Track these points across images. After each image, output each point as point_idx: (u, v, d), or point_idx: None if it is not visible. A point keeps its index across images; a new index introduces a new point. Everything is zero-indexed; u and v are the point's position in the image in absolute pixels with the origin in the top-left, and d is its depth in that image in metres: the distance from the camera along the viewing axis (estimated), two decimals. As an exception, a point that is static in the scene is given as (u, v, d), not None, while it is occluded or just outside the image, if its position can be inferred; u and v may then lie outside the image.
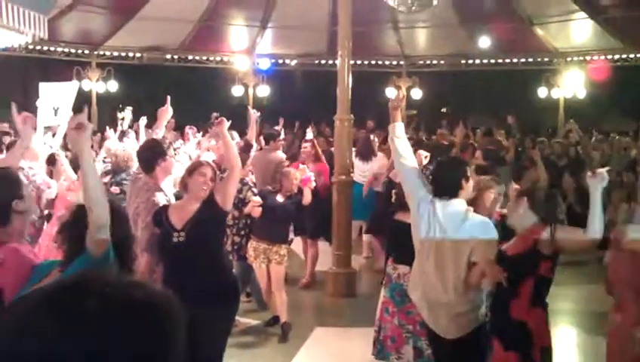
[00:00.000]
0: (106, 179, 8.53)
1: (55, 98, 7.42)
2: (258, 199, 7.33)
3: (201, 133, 12.26)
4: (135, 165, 7.75)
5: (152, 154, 5.74)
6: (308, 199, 7.66)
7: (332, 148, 10.59)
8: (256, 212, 7.17)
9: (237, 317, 6.18)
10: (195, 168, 5.29)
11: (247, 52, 20.56)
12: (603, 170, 4.41)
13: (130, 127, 14.56)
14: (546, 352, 4.53)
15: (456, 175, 4.93)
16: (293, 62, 21.80)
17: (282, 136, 14.00)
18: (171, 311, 1.11)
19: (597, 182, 4.34)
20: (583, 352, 7.56)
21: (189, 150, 9.78)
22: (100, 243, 3.07)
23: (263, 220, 7.36)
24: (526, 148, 15.04)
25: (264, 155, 9.85)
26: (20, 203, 3.38)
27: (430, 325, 4.99)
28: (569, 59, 19.65)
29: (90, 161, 3.15)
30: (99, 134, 14.86)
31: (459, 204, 4.83)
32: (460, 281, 4.73)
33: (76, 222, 3.23)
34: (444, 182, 4.93)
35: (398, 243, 5.80)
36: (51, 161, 7.46)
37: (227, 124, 5.35)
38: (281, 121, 14.25)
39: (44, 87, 7.62)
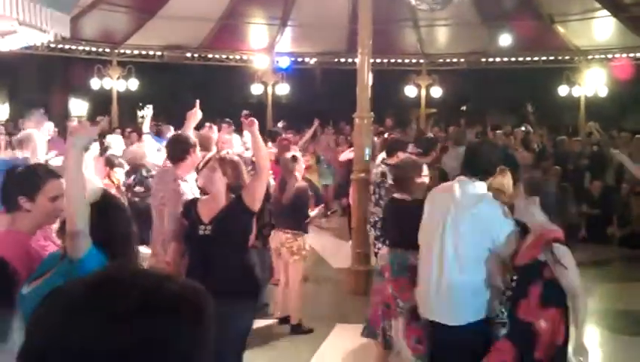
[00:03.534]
0: (129, 180, 8.63)
1: None
2: None
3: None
4: (149, 162, 7.84)
5: (185, 147, 5.95)
6: None
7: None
8: None
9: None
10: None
11: (267, 50, 20.58)
12: None
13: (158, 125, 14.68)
14: (560, 351, 4.43)
15: (493, 158, 4.99)
16: (313, 61, 21.80)
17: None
18: (204, 304, 1.12)
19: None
20: (607, 351, 7.50)
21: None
22: (74, 248, 3.00)
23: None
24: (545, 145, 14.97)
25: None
26: (27, 202, 3.44)
27: (434, 316, 4.91)
28: (590, 57, 19.49)
29: (75, 168, 3.08)
30: (119, 131, 14.97)
31: (480, 187, 4.83)
32: (477, 260, 4.72)
33: None
34: (479, 162, 4.95)
35: (396, 225, 5.90)
36: None
37: (257, 123, 5.37)
38: (316, 121, 14.10)
39: (74, 105, 7.81)
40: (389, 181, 7.17)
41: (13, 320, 1.55)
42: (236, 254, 5.11)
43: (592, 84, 19.62)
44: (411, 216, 5.59)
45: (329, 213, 14.23)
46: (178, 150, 5.98)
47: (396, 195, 6.07)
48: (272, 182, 7.99)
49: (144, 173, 8.88)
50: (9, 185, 3.55)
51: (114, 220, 3.23)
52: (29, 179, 3.55)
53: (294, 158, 7.84)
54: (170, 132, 11.92)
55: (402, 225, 5.72)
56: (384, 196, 7.65)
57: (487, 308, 4.76)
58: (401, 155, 7.38)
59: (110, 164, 7.60)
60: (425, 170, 5.89)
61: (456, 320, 4.77)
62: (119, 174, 7.61)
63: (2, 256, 1.60)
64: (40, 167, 3.98)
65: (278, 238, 7.57)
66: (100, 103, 21.40)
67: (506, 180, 4.87)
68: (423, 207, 5.42)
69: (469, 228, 4.73)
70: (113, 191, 7.18)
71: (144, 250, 6.31)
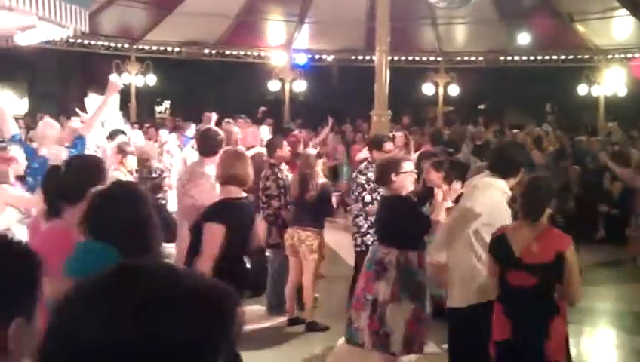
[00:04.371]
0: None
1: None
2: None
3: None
4: (154, 163, 7.95)
5: (214, 143, 6.32)
6: None
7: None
8: None
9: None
10: None
11: (285, 47, 20.60)
12: None
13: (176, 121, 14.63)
14: (499, 346, 4.42)
15: (517, 158, 5.21)
16: (330, 58, 21.79)
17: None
18: (226, 305, 1.10)
19: None
20: (624, 353, 7.44)
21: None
22: None
23: None
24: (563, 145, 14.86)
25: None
26: None
27: (454, 302, 5.13)
28: (610, 56, 19.35)
29: None
30: (136, 126, 15.02)
31: (492, 180, 5.00)
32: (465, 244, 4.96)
33: (91, 210, 3.24)
34: (503, 161, 5.13)
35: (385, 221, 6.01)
36: None
37: None
38: (330, 120, 13.96)
39: (90, 101, 7.88)
40: (360, 178, 7.20)
41: (37, 305, 1.61)
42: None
43: (611, 83, 19.48)
44: (384, 211, 5.88)
45: (348, 208, 14.19)
46: (209, 146, 6.29)
47: (383, 192, 6.22)
48: (289, 175, 7.92)
49: (144, 173, 8.93)
50: (75, 179, 3.61)
51: (127, 210, 3.19)
52: (99, 170, 3.76)
53: (319, 155, 7.81)
54: (192, 130, 11.93)
55: (378, 220, 6.01)
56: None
57: (482, 292, 4.84)
58: (387, 147, 7.32)
59: (122, 151, 7.66)
60: (407, 167, 5.89)
61: (457, 302, 5.04)
62: (131, 161, 7.66)
63: (27, 245, 1.64)
64: (94, 156, 4.14)
65: (297, 236, 7.48)
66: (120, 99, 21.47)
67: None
68: (399, 203, 5.73)
69: (455, 216, 5.08)
70: (127, 177, 7.22)
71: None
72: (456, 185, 5.72)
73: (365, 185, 6.97)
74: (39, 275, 1.60)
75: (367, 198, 6.94)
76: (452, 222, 5.09)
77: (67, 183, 3.64)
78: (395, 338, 5.49)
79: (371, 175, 6.93)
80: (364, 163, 7.38)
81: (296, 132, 11.66)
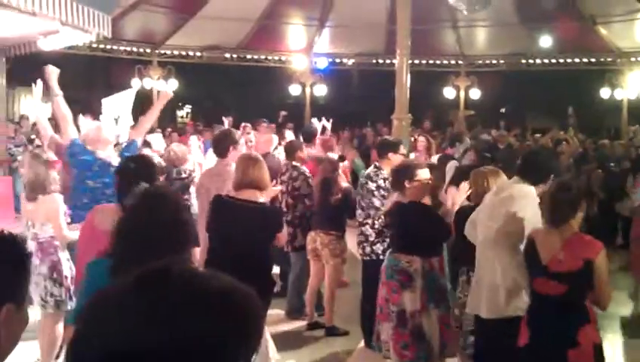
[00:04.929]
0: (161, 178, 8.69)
1: (116, 108, 7.77)
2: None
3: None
4: (189, 165, 8.08)
5: (227, 141, 6.62)
6: None
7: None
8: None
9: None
10: None
11: (305, 51, 20.64)
12: None
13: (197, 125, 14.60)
14: (522, 351, 4.40)
15: (548, 164, 5.13)
16: (351, 62, 21.80)
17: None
18: (246, 306, 1.11)
19: None
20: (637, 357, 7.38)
21: None
22: None
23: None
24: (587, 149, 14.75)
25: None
26: None
27: (482, 312, 5.00)
28: (633, 59, 19.18)
29: None
30: (159, 130, 15.10)
31: (525, 188, 4.88)
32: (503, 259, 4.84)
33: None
34: (533, 168, 5.04)
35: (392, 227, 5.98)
36: None
37: None
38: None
39: (106, 102, 7.96)
40: (370, 185, 7.00)
41: (27, 291, 1.68)
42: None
43: (634, 86, 19.29)
44: (403, 219, 5.67)
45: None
46: (222, 146, 6.63)
47: (398, 198, 5.97)
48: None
49: (174, 174, 8.97)
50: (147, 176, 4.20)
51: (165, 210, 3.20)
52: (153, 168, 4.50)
53: (342, 158, 7.74)
54: None
55: (395, 228, 5.84)
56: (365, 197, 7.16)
57: (513, 305, 4.77)
58: (392, 156, 7.06)
59: None
60: (421, 174, 5.79)
61: (485, 313, 4.94)
62: None
63: (16, 235, 1.71)
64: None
65: (320, 240, 7.40)
66: (141, 103, 21.62)
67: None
68: (417, 210, 5.60)
69: (497, 227, 4.86)
70: None
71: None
72: (464, 186, 5.66)
73: (375, 192, 6.78)
74: (29, 264, 1.66)
75: (377, 203, 6.77)
76: (513, 231, 4.81)
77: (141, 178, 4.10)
78: (435, 347, 5.41)
79: (381, 182, 6.77)
80: (372, 168, 7.16)
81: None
